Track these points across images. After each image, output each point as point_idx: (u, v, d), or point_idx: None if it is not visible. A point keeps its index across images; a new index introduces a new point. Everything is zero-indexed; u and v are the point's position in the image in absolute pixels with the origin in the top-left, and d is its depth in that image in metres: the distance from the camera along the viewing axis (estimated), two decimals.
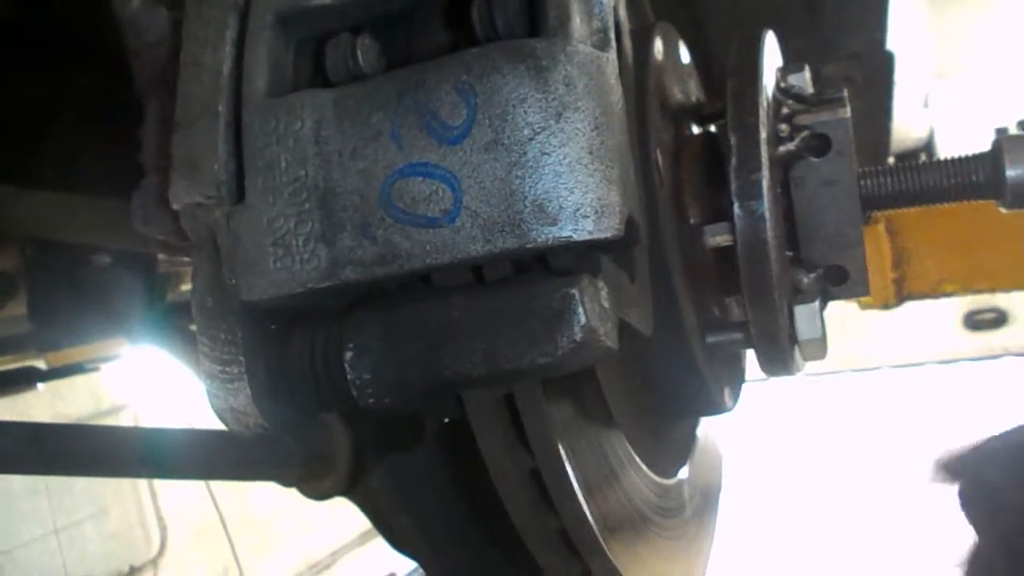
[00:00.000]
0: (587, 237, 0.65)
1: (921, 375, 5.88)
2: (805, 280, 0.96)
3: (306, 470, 1.02)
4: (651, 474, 1.03)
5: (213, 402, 0.75)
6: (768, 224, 0.89)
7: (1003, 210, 1.00)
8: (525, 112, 0.65)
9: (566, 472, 0.83)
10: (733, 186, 0.91)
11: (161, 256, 1.73)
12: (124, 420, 4.83)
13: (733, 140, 0.92)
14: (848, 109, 0.97)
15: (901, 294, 2.30)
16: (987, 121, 1.05)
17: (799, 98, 1.02)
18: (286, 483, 1.05)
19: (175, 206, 0.74)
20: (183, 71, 0.76)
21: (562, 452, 0.82)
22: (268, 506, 5.38)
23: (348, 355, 0.71)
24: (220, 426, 0.83)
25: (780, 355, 0.97)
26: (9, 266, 1.58)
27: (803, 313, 0.96)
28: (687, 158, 1.04)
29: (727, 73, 0.98)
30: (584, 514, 0.84)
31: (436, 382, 0.70)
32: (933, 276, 2.31)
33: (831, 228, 0.96)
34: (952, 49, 3.17)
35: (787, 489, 7.52)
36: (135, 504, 4.93)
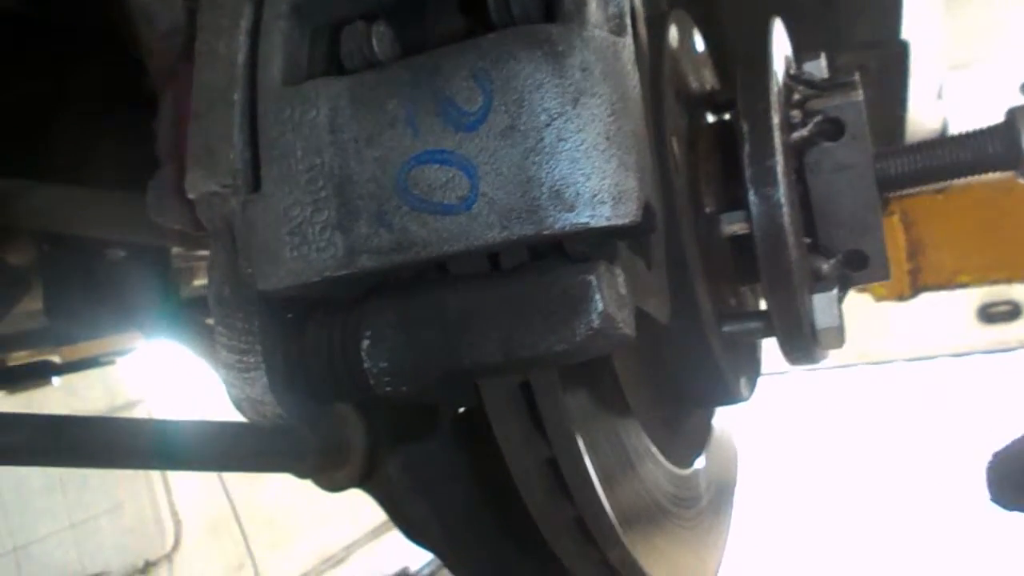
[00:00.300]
0: (604, 223, 0.64)
1: (935, 368, 5.85)
2: (824, 266, 0.96)
3: (321, 461, 1.02)
4: (667, 464, 1.03)
5: (230, 391, 0.75)
6: (784, 210, 0.89)
7: (1021, 181, 0.99)
8: (542, 98, 0.64)
9: (583, 461, 0.82)
10: (748, 173, 0.91)
11: (175, 251, 1.74)
12: (139, 415, 4.86)
13: (746, 127, 0.92)
14: (861, 92, 0.96)
15: (916, 285, 2.29)
16: (1001, 113, 1.05)
17: (811, 84, 1.01)
18: (301, 474, 1.05)
19: (191, 195, 0.74)
20: (198, 61, 0.76)
21: (579, 441, 0.82)
22: (281, 501, 5.40)
23: (365, 343, 0.71)
24: (235, 418, 0.83)
25: (803, 344, 0.96)
26: (24, 261, 1.59)
27: (820, 301, 0.95)
28: (702, 146, 1.03)
29: (738, 61, 0.98)
30: (601, 503, 0.84)
31: (453, 370, 0.70)
32: (948, 267, 2.30)
33: (848, 212, 0.96)
34: (967, 41, 3.14)
35: (800, 483, 7.50)
36: (149, 499, 4.96)
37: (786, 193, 0.89)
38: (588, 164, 0.64)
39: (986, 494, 1.16)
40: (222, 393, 0.78)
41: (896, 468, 7.42)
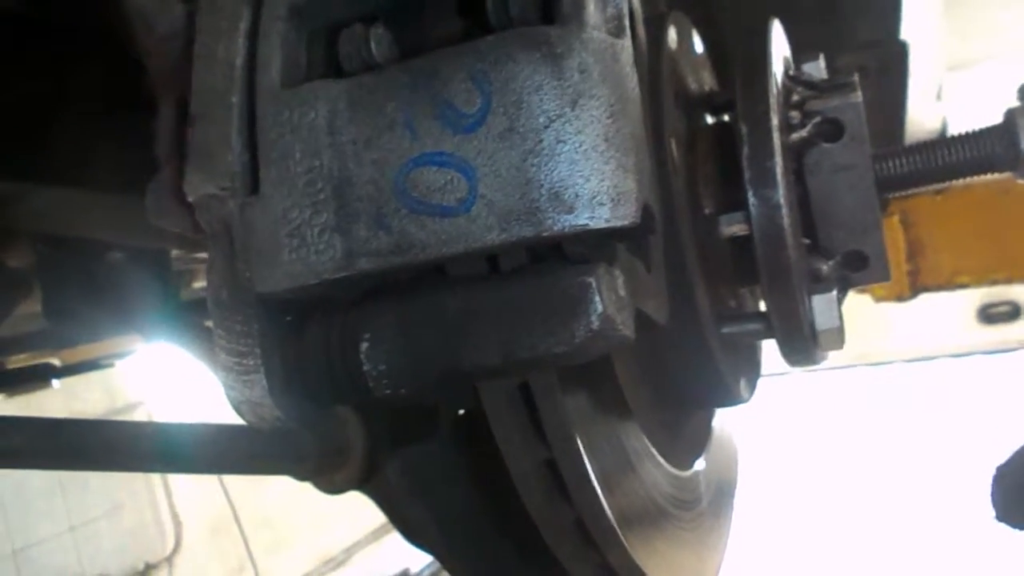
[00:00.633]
0: (603, 225, 0.64)
1: (935, 369, 5.85)
2: (824, 268, 0.96)
3: (320, 463, 1.02)
4: (667, 465, 1.03)
5: (229, 394, 0.75)
6: (784, 212, 0.89)
7: (1020, 181, 1.00)
8: (540, 100, 0.64)
9: (583, 463, 0.82)
10: (747, 175, 0.91)
11: (174, 253, 1.74)
12: (139, 418, 4.86)
13: (744, 129, 0.92)
14: (859, 93, 0.96)
15: (916, 286, 2.29)
16: (999, 113, 1.05)
17: (809, 85, 1.01)
18: (300, 477, 1.05)
19: (190, 198, 0.74)
20: (197, 63, 0.76)
21: (578, 443, 0.82)
22: (282, 503, 5.40)
23: (364, 345, 0.71)
24: (234, 421, 0.83)
25: (803, 345, 0.96)
26: (23, 263, 1.59)
27: (820, 302, 0.95)
28: (701, 148, 1.03)
29: (737, 62, 0.98)
30: (601, 505, 0.84)
31: (452, 372, 0.70)
32: (948, 268, 2.30)
33: (848, 213, 0.96)
34: (966, 42, 3.15)
35: (801, 484, 7.50)
36: (150, 502, 4.96)
37: (785, 194, 0.89)
38: (587, 166, 0.64)
39: (991, 512, 1.15)
40: (221, 395, 0.78)
41: (896, 469, 7.42)
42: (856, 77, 0.97)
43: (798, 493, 7.38)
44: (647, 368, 0.99)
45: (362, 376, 0.71)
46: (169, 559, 4.99)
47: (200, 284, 2.20)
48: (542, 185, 0.64)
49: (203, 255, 0.82)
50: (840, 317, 0.97)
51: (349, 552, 5.91)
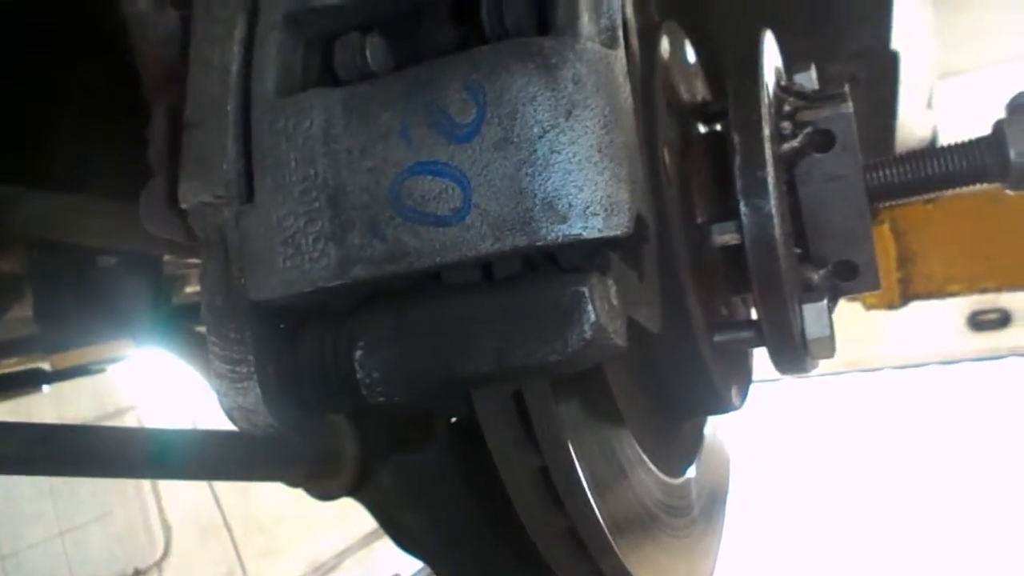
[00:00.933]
0: (597, 235, 0.65)
1: (925, 376, 5.88)
2: (815, 277, 0.96)
3: (313, 470, 1.02)
4: (659, 473, 1.03)
5: (222, 401, 0.75)
6: (775, 221, 0.89)
7: (1009, 192, 1.00)
8: (535, 110, 0.65)
9: (575, 470, 0.83)
10: (739, 184, 0.91)
11: (167, 258, 1.73)
12: (128, 422, 4.84)
13: (736, 139, 0.93)
14: (850, 104, 0.97)
15: (906, 294, 2.30)
16: (991, 122, 1.06)
17: (801, 95, 1.02)
18: (292, 483, 1.05)
19: (184, 205, 0.74)
20: (192, 70, 0.76)
21: (571, 450, 0.82)
22: (272, 508, 5.38)
23: (358, 353, 0.71)
24: (226, 427, 0.83)
25: (793, 353, 0.97)
26: (15, 267, 1.58)
27: (811, 311, 0.96)
28: (693, 157, 1.04)
29: (729, 72, 0.99)
30: (593, 512, 0.84)
31: (445, 380, 0.70)
32: (938, 276, 2.31)
33: (839, 223, 0.96)
34: (956, 50, 3.17)
35: (792, 489, 7.51)
36: (139, 507, 4.94)
37: (777, 204, 0.90)
38: (580, 176, 0.65)
39: None
40: (213, 401, 0.78)
41: (887, 474, 7.44)
42: (847, 88, 0.98)
43: (789, 498, 7.39)
44: (640, 376, 0.99)
45: (356, 384, 0.71)
46: (159, 564, 4.97)
47: (193, 288, 2.19)
48: (536, 195, 0.65)
49: (196, 260, 0.82)
50: (831, 326, 0.97)
51: (340, 557, 5.89)
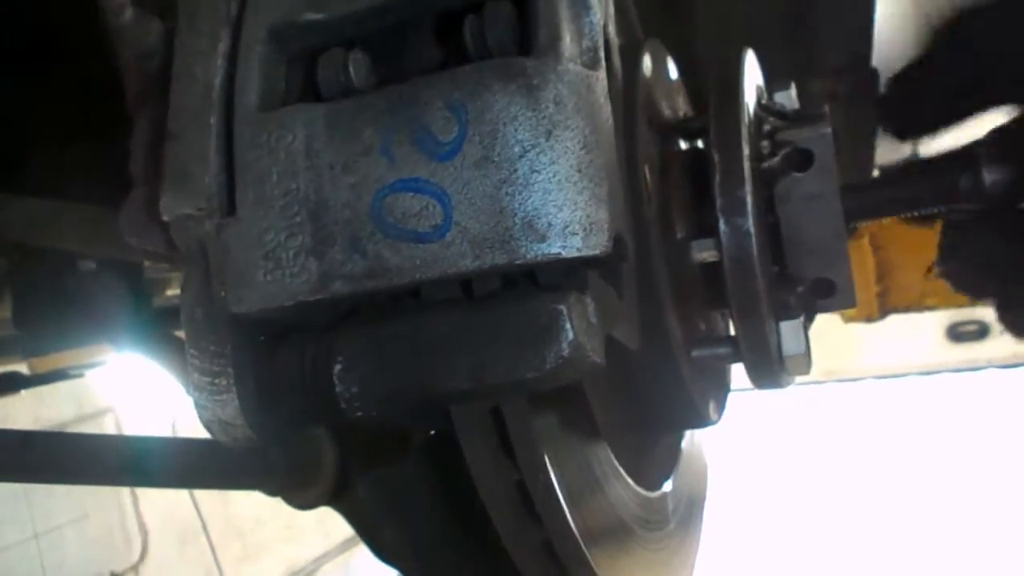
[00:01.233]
0: (576, 254, 0.66)
1: (905, 386, 5.93)
2: (792, 295, 0.98)
3: (291, 480, 1.02)
4: (636, 487, 1.04)
5: (201, 413, 0.75)
6: (753, 240, 0.90)
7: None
8: (515, 130, 0.66)
9: (551, 484, 0.83)
10: (718, 202, 0.93)
11: (147, 263, 1.73)
12: (107, 425, 4.80)
13: (716, 157, 0.94)
14: (829, 124, 0.99)
15: (884, 307, 2.32)
16: (971, 138, 1.07)
17: (781, 115, 1.03)
18: (271, 492, 1.05)
19: (165, 217, 0.74)
20: (175, 83, 0.76)
21: (547, 464, 0.83)
22: (250, 513, 5.36)
23: (337, 368, 0.71)
24: (205, 434, 0.83)
25: (770, 369, 0.98)
26: None
27: (788, 328, 0.97)
28: (674, 174, 1.05)
29: (709, 91, 1.00)
30: (568, 526, 0.85)
31: (424, 396, 0.70)
32: (916, 290, 2.34)
33: (816, 242, 0.98)
34: None
35: (770, 499, 7.55)
36: (116, 509, 4.90)
37: (755, 222, 0.91)
38: (560, 196, 0.65)
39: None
40: (191, 408, 0.78)
41: (868, 482, 7.49)
42: (826, 108, 0.99)
43: (770, 507, 7.42)
44: (618, 391, 1.00)
45: (335, 398, 0.71)
46: (135, 568, 4.93)
47: (173, 292, 2.19)
48: (516, 214, 0.65)
49: (176, 267, 0.82)
50: (807, 343, 0.99)
51: (319, 563, 5.87)
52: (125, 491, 4.90)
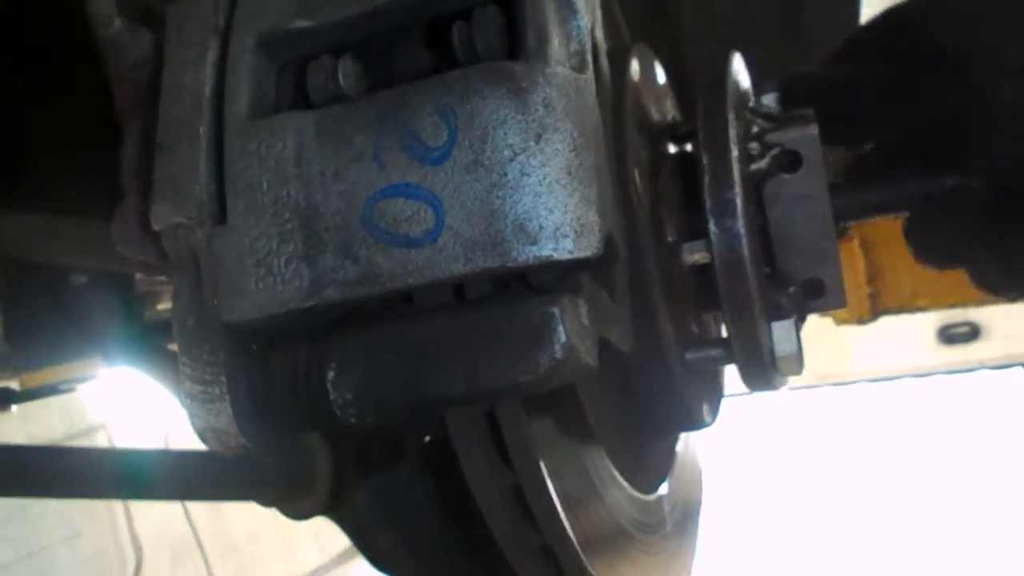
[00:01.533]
0: (567, 256, 0.66)
1: (897, 388, 5.95)
2: (783, 295, 0.98)
3: (286, 490, 1.02)
4: (631, 490, 1.04)
5: (194, 422, 0.75)
6: (744, 241, 0.91)
7: None
8: (505, 134, 0.66)
9: (547, 488, 0.83)
10: (708, 204, 0.93)
11: (139, 275, 1.73)
12: (99, 441, 4.78)
13: (705, 160, 0.94)
14: (816, 126, 0.99)
15: (876, 309, 2.33)
16: None
17: (768, 117, 1.04)
18: (265, 503, 1.05)
19: (156, 227, 0.74)
20: (164, 93, 0.76)
21: (543, 468, 0.83)
22: (246, 528, 5.33)
23: (330, 375, 0.71)
24: (197, 446, 0.83)
25: (763, 370, 0.98)
26: None
27: (779, 329, 0.97)
28: (664, 176, 1.05)
29: (698, 94, 1.00)
30: (565, 530, 0.85)
31: (418, 401, 0.70)
32: (907, 291, 2.34)
33: (806, 242, 0.98)
34: None
35: (764, 503, 7.55)
36: (110, 527, 4.86)
37: (745, 224, 0.91)
38: (551, 198, 0.66)
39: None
40: (184, 419, 0.78)
41: (861, 484, 7.50)
42: (813, 110, 0.99)
43: (763, 510, 7.43)
44: (612, 393, 1.00)
45: (328, 405, 0.71)
46: None
47: (165, 305, 2.18)
48: (507, 217, 0.65)
49: (168, 279, 0.82)
50: (799, 343, 0.99)
51: None
52: (119, 508, 4.87)
